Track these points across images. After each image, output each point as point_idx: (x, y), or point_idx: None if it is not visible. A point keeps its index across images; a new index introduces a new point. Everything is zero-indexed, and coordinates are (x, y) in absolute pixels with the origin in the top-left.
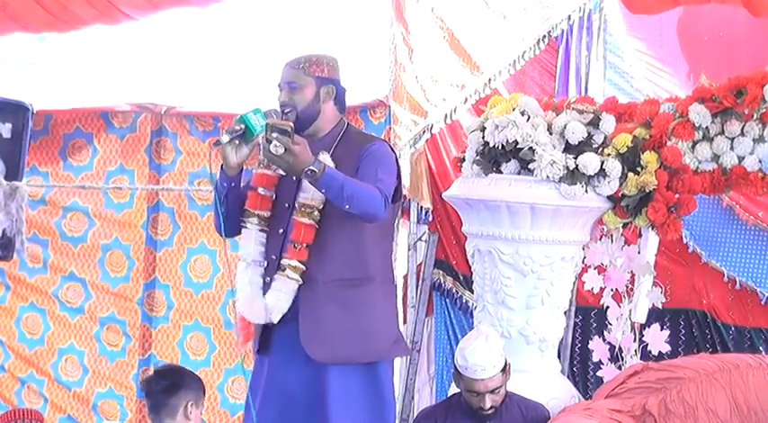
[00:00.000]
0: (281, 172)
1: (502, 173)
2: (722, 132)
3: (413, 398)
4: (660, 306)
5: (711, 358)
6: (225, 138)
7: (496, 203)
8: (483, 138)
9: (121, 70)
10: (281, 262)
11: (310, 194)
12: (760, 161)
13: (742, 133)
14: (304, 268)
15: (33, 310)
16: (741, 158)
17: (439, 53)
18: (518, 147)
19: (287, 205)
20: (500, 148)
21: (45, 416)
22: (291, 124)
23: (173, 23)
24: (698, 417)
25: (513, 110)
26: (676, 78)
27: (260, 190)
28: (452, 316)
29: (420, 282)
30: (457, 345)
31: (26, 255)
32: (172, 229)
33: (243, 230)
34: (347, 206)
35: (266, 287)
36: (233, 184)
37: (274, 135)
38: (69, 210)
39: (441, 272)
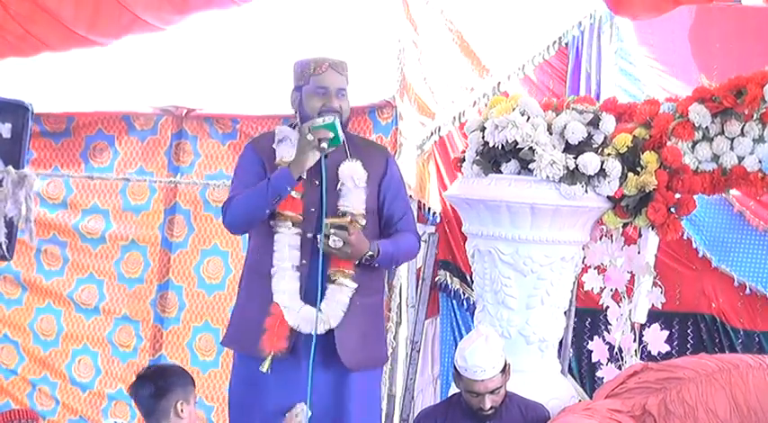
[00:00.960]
0: (303, 175)
1: (502, 173)
2: (722, 132)
3: (413, 398)
4: (660, 306)
5: (711, 358)
6: (325, 145)
7: (496, 203)
8: (483, 138)
9: (143, 73)
10: (331, 269)
11: (350, 202)
12: (760, 161)
13: (742, 133)
14: (353, 273)
15: (49, 311)
16: (741, 158)
17: (448, 55)
18: (518, 147)
19: (312, 209)
20: (500, 148)
21: (55, 417)
22: (348, 219)
23: (193, 28)
24: (698, 417)
25: (513, 110)
26: (687, 85)
27: (293, 193)
28: (458, 316)
29: (420, 282)
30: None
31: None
32: (187, 231)
33: (275, 235)
34: (393, 267)
35: (302, 293)
36: (290, 188)
37: (332, 231)
38: (89, 212)
39: (447, 273)
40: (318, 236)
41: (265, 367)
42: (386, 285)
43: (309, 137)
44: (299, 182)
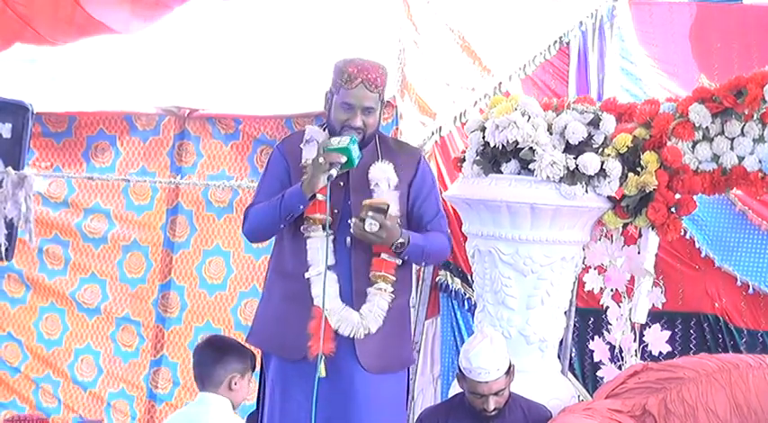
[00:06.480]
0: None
1: (502, 173)
2: (722, 132)
3: (413, 398)
4: (660, 306)
5: (711, 358)
6: (334, 172)
7: (496, 204)
8: (483, 138)
9: (145, 73)
10: (373, 272)
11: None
12: (760, 161)
13: (742, 133)
14: (394, 279)
15: (53, 310)
16: (741, 158)
17: (449, 55)
18: (518, 147)
19: (336, 211)
20: (500, 148)
21: (60, 415)
22: (388, 202)
23: (194, 26)
24: (698, 417)
25: (514, 110)
26: (688, 85)
27: (318, 196)
28: (459, 317)
29: (420, 282)
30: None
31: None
32: (189, 232)
33: (308, 240)
34: (423, 263)
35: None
36: (303, 207)
37: (370, 214)
38: (91, 211)
39: (448, 273)
40: (351, 219)
41: (323, 372)
42: (413, 285)
43: (321, 160)
44: (312, 200)
